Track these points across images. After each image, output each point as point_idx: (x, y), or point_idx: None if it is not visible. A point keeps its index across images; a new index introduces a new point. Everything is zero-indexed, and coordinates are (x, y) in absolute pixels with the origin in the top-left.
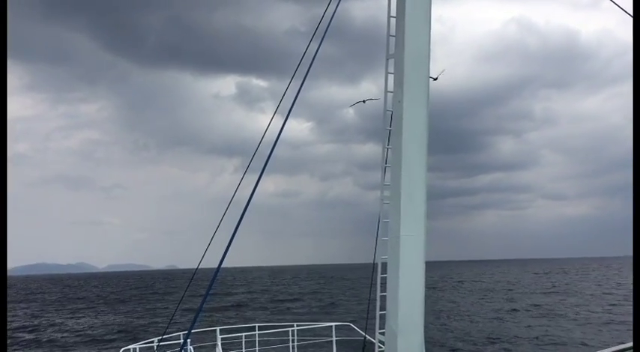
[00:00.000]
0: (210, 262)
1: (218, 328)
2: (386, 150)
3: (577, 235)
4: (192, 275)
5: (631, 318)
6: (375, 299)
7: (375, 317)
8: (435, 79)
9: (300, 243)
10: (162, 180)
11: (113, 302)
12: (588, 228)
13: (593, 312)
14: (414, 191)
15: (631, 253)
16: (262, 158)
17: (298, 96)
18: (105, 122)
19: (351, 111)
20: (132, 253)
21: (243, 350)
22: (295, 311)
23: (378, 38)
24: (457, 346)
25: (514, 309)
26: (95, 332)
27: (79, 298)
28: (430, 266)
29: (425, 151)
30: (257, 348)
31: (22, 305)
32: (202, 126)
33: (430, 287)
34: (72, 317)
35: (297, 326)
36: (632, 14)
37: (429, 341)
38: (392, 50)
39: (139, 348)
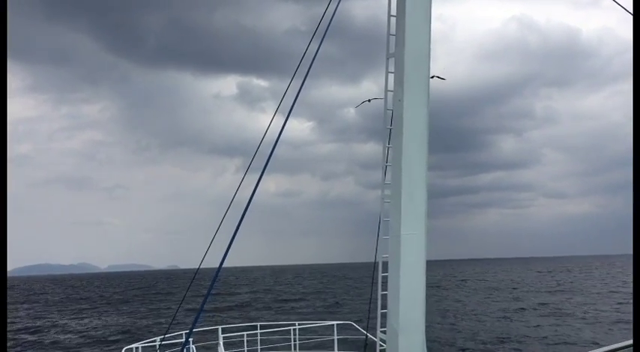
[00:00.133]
0: (212, 262)
1: (220, 327)
2: (386, 149)
3: (579, 233)
4: (193, 275)
5: None
6: (377, 298)
7: (376, 316)
8: (444, 79)
9: (302, 242)
10: (164, 180)
11: (116, 302)
12: (590, 226)
13: (601, 311)
14: (415, 190)
15: None
16: (263, 158)
17: (299, 96)
18: (107, 123)
19: (352, 110)
20: (134, 253)
21: (245, 349)
22: (300, 311)
23: (378, 37)
24: (467, 346)
25: (522, 308)
26: (99, 333)
27: (82, 298)
28: (431, 264)
29: (425, 150)
30: (259, 347)
31: (25, 305)
32: (204, 127)
33: (434, 285)
34: (75, 318)
35: (299, 324)
36: (632, 12)
37: (438, 341)
38: (392, 49)
39: (142, 347)
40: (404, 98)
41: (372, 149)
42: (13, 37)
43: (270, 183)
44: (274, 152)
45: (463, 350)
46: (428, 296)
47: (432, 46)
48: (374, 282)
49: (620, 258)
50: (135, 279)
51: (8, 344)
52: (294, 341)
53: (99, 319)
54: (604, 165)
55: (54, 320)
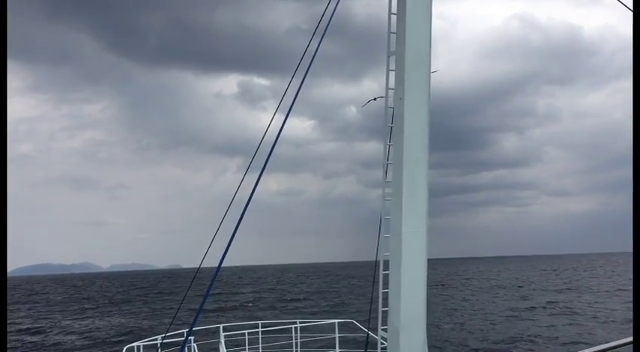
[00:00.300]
0: (214, 261)
1: (221, 326)
2: (387, 147)
3: (581, 231)
4: (194, 275)
5: None
6: (378, 296)
7: (378, 314)
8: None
9: (304, 241)
10: (165, 179)
11: (119, 302)
12: (593, 223)
13: (612, 310)
14: (416, 188)
15: None
16: (264, 157)
17: (299, 95)
18: (108, 122)
19: (353, 108)
20: (135, 253)
21: (247, 347)
22: (305, 310)
23: (379, 35)
24: (480, 346)
25: (532, 307)
26: (102, 333)
27: (84, 298)
28: (433, 263)
29: (426, 148)
30: (260, 345)
31: (27, 305)
32: (204, 126)
33: (439, 284)
34: (78, 319)
35: (300, 323)
36: (632, 9)
37: (450, 342)
38: (393, 47)
39: (143, 346)
40: (405, 96)
41: (373, 148)
42: (14, 36)
43: (272, 182)
44: (275, 151)
45: (476, 350)
46: (434, 295)
47: (432, 44)
48: (375, 281)
49: (623, 256)
50: (137, 279)
51: (11, 345)
52: (296, 339)
53: (102, 319)
54: (606, 162)
55: (56, 320)
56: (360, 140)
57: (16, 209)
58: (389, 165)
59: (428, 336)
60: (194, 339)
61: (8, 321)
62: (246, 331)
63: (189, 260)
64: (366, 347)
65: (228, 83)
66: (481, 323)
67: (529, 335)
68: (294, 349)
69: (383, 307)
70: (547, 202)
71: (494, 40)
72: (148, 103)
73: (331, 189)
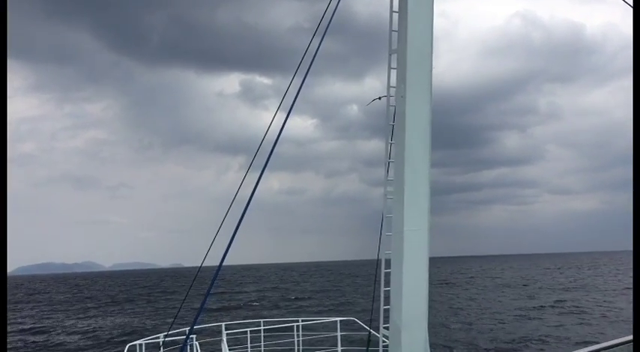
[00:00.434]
0: (216, 260)
1: (223, 324)
2: (389, 145)
3: (584, 230)
4: (195, 274)
5: None
6: (380, 295)
7: (380, 313)
8: None
9: (306, 240)
10: (167, 178)
11: (122, 301)
12: (596, 222)
13: (621, 309)
14: (418, 186)
15: None
16: (266, 156)
17: (301, 94)
18: (110, 121)
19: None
20: (138, 252)
21: (249, 345)
22: (309, 309)
23: (381, 34)
24: (490, 346)
25: (541, 306)
26: (106, 333)
27: (87, 297)
28: (435, 261)
29: (428, 146)
30: (262, 343)
31: (30, 305)
32: (207, 125)
33: (443, 283)
34: (81, 318)
35: (302, 321)
36: (631, 5)
37: (460, 342)
38: (395, 46)
39: (145, 344)
40: (406, 94)
41: (375, 146)
42: (15, 36)
43: (274, 181)
44: (277, 150)
45: (487, 350)
46: (439, 294)
47: (434, 43)
48: (377, 279)
49: (626, 255)
50: (139, 278)
51: (14, 345)
52: (298, 337)
53: (105, 319)
54: (609, 160)
55: (59, 320)
56: (362, 138)
57: (18, 208)
58: (391, 163)
59: (437, 336)
60: (196, 338)
61: (10, 321)
62: (248, 329)
63: (191, 259)
64: (367, 346)
65: (230, 82)
66: (490, 322)
67: (540, 335)
68: (296, 347)
69: (385, 305)
70: (549, 200)
71: (496, 38)
72: (150, 102)
73: (333, 187)
